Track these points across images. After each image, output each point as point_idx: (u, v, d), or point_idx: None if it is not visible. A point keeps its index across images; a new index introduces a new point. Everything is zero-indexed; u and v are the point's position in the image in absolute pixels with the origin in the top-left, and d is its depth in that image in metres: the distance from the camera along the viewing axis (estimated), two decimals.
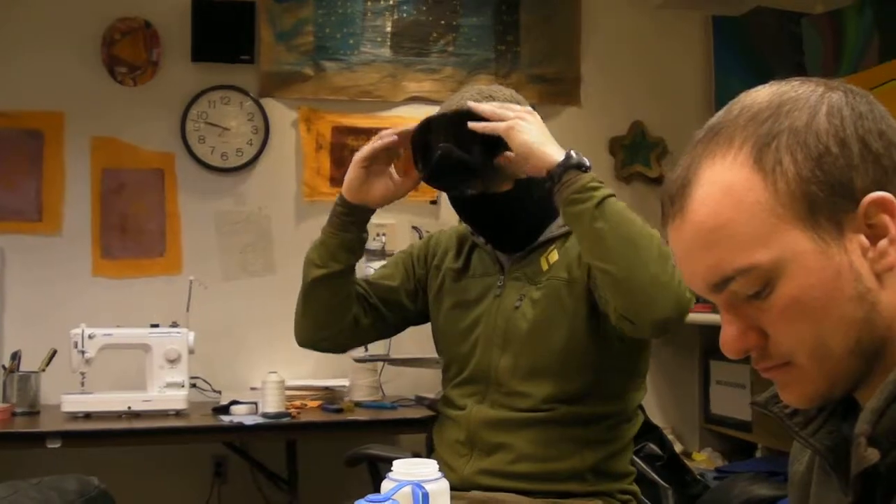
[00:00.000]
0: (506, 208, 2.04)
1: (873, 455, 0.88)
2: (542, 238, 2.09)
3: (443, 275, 2.22)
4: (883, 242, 0.90)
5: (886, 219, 0.90)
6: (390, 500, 1.04)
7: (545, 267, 2.05)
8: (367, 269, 3.72)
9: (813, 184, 0.89)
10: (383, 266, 2.35)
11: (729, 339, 0.97)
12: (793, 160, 0.89)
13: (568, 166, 1.85)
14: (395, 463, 1.39)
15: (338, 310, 2.18)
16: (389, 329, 2.33)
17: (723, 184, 0.91)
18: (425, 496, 1.25)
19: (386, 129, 2.17)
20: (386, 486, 1.37)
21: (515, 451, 1.97)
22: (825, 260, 0.90)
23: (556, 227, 2.08)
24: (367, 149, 2.11)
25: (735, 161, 0.91)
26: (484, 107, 1.95)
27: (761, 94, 0.94)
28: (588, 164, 1.87)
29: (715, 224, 0.92)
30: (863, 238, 0.91)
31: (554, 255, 2.05)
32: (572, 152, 1.87)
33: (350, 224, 2.15)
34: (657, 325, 1.79)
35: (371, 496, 1.09)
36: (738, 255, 0.91)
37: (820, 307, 0.90)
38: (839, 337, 0.91)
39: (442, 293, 2.21)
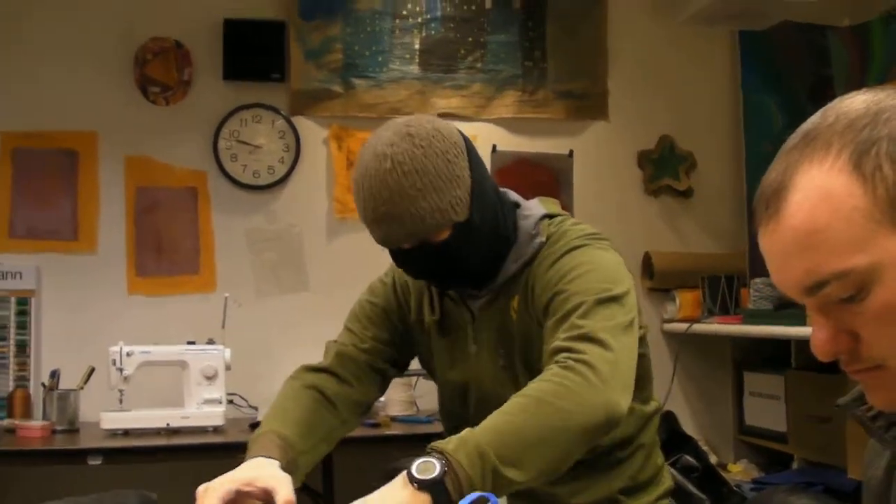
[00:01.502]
0: (448, 257, 1.81)
1: None
2: (500, 279, 1.90)
3: (427, 331, 2.02)
4: None
5: None
6: None
7: (514, 317, 1.89)
8: None
9: None
10: (352, 329, 2.06)
11: (820, 342, 0.97)
12: (893, 167, 0.90)
13: None
14: None
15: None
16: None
17: (821, 189, 0.91)
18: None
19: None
20: None
21: (539, 498, 1.89)
22: None
23: (511, 263, 1.90)
24: None
25: (833, 167, 0.92)
26: None
27: (857, 102, 0.95)
28: (437, 472, 1.43)
29: (812, 228, 0.92)
30: None
31: (516, 302, 1.89)
32: (430, 499, 1.42)
33: None
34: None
35: None
36: (835, 259, 0.91)
37: None
38: None
39: (431, 352, 2.04)
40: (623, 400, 1.61)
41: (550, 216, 1.94)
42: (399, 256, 1.87)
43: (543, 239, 1.88)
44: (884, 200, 0.90)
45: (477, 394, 1.94)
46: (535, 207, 1.95)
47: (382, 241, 1.83)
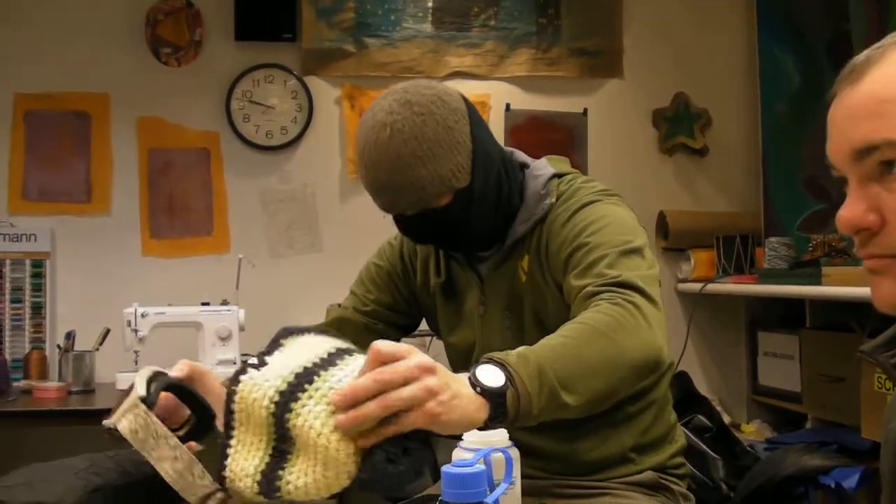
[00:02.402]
0: (449, 223, 1.83)
1: None
2: (508, 241, 1.91)
3: (432, 294, 2.04)
4: None
5: None
6: (476, 464, 1.06)
7: (523, 278, 1.90)
8: None
9: None
10: (356, 293, 2.09)
11: (848, 213, 1.01)
12: None
13: (496, 424, 1.37)
14: (466, 434, 1.40)
15: None
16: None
17: None
18: (509, 460, 1.27)
19: None
20: (458, 454, 1.39)
21: (550, 456, 1.90)
22: None
23: (520, 224, 1.90)
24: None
25: None
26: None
27: None
28: (503, 382, 1.35)
29: (887, 97, 0.97)
30: None
31: (526, 262, 1.90)
32: (491, 409, 1.31)
33: None
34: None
35: (458, 461, 1.10)
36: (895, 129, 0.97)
37: None
38: None
39: (437, 314, 2.06)
40: (665, 347, 1.61)
41: (560, 175, 1.94)
42: (402, 223, 1.88)
43: (553, 199, 1.88)
44: None
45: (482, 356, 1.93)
46: (543, 167, 1.95)
47: (385, 209, 1.83)
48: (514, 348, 1.49)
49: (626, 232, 1.77)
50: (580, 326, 1.53)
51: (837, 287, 3.16)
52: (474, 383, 1.31)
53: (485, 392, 1.31)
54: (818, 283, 3.26)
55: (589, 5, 4.31)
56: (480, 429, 1.32)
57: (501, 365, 1.37)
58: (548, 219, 1.87)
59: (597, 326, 1.52)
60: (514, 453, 1.34)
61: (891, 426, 1.15)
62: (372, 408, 1.17)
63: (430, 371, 1.23)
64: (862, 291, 3.02)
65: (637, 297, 1.60)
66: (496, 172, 1.86)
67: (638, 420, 1.94)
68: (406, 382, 1.20)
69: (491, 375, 1.34)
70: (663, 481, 1.96)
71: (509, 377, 1.35)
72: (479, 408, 1.30)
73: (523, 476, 1.74)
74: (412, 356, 1.23)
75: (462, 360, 1.99)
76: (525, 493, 1.76)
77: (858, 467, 2.96)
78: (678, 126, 4.37)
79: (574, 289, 1.70)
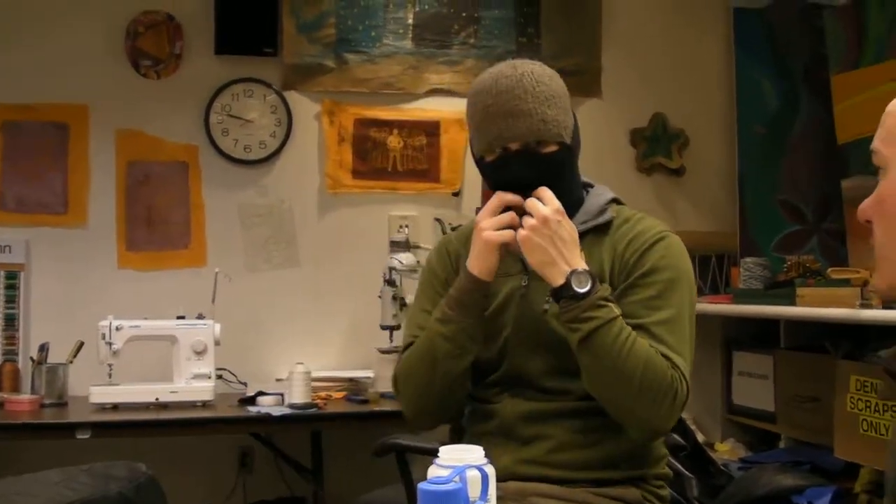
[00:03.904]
0: (545, 170, 1.97)
1: None
2: None
3: None
4: None
5: None
6: (452, 482, 1.06)
7: None
8: (392, 260, 3.75)
9: None
10: (424, 308, 2.17)
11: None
12: None
13: (563, 296, 1.87)
14: (442, 449, 1.41)
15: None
16: None
17: None
18: (485, 478, 1.27)
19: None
20: (434, 471, 1.38)
21: (554, 440, 1.97)
22: None
23: (579, 224, 2.02)
24: (501, 236, 1.95)
25: None
26: (535, 201, 1.92)
27: None
28: (587, 289, 1.86)
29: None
30: None
31: None
32: (572, 279, 1.86)
33: (483, 302, 2.03)
34: (636, 438, 1.97)
35: (434, 478, 1.10)
36: None
37: (894, 215, 1.10)
38: None
39: None
40: (667, 430, 1.96)
41: (618, 202, 2.16)
42: (498, 160, 1.99)
43: (611, 217, 2.07)
44: None
45: (513, 333, 2.03)
46: (606, 191, 2.16)
47: (495, 138, 1.96)
48: (551, 333, 1.96)
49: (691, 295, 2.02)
50: (647, 349, 1.85)
51: (811, 308, 3.19)
52: (575, 268, 1.85)
53: (574, 275, 1.85)
54: (792, 303, 3.28)
55: (568, 25, 4.34)
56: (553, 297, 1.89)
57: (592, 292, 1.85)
58: (611, 230, 2.06)
59: (649, 359, 1.84)
60: (490, 470, 1.34)
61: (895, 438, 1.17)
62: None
63: (560, 213, 1.89)
64: (836, 312, 3.05)
65: (683, 389, 1.88)
66: (578, 159, 2.08)
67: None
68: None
69: (587, 282, 1.85)
70: (645, 502, 1.98)
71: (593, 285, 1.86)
72: (559, 274, 1.86)
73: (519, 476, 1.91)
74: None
75: (488, 344, 2.05)
76: (505, 499, 1.82)
77: (831, 487, 2.98)
78: (656, 146, 4.40)
79: (623, 297, 1.95)
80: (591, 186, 2.17)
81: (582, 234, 1.98)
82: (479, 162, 2.06)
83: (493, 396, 2.07)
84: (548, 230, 1.88)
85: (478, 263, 1.97)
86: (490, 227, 1.95)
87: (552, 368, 2.00)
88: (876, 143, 1.10)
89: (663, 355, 1.87)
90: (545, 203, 1.90)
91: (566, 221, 1.90)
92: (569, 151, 2.01)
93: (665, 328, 1.92)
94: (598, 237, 2.05)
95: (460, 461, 1.34)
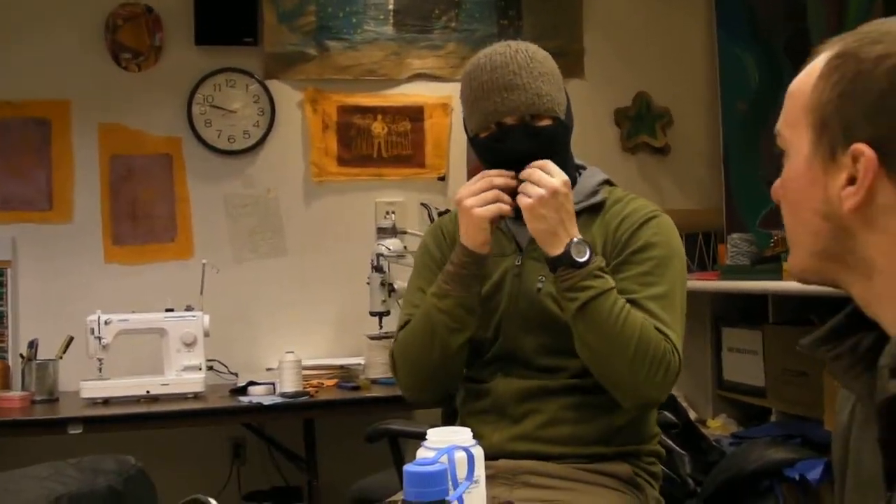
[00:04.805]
0: (540, 142, 1.99)
1: (894, 387, 0.90)
2: None
3: None
4: (849, 189, 1.02)
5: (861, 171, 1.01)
6: (438, 463, 1.06)
7: None
8: (380, 247, 3.75)
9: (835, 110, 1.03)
10: (420, 287, 2.17)
11: None
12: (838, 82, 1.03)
13: (560, 263, 1.90)
14: (430, 431, 1.41)
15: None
16: None
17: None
18: (471, 458, 1.27)
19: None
20: (422, 453, 1.39)
21: (546, 415, 1.99)
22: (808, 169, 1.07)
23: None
24: (488, 211, 1.96)
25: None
26: (533, 170, 1.94)
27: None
28: (585, 258, 1.89)
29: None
30: (844, 176, 1.03)
31: None
32: (572, 248, 1.89)
33: (478, 276, 2.05)
34: (629, 409, 1.99)
35: (420, 460, 1.11)
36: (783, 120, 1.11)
37: (794, 201, 1.11)
38: (806, 237, 1.12)
39: None
40: (660, 401, 2.01)
41: (610, 183, 2.19)
42: (494, 136, 2.01)
43: (603, 198, 2.10)
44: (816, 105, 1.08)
45: (507, 312, 2.05)
46: (598, 172, 2.20)
47: (490, 113, 1.98)
48: (544, 312, 1.99)
49: (683, 273, 2.06)
50: (642, 320, 1.89)
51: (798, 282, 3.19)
52: (574, 237, 1.89)
53: (573, 244, 1.88)
54: (779, 278, 3.29)
55: (549, 7, 4.33)
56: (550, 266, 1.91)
57: (588, 263, 1.88)
58: (603, 210, 2.08)
59: (644, 331, 1.88)
60: (478, 451, 1.34)
61: (839, 418, 1.17)
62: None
63: (568, 186, 1.91)
64: (822, 287, 3.06)
65: (676, 361, 1.92)
66: (570, 138, 2.11)
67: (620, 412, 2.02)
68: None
69: (585, 252, 1.89)
70: (637, 478, 1.99)
71: (591, 257, 1.89)
72: (560, 243, 1.89)
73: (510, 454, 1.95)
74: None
75: (481, 324, 2.06)
76: (497, 477, 1.83)
77: (822, 459, 2.99)
78: (640, 125, 4.40)
79: (617, 272, 1.98)
80: (584, 168, 2.20)
81: (576, 214, 1.99)
82: (474, 140, 2.06)
83: (487, 376, 2.08)
84: (555, 201, 1.90)
85: (470, 238, 1.98)
86: (476, 203, 1.96)
87: (546, 347, 2.02)
88: (779, 125, 1.10)
89: (656, 328, 1.90)
90: (552, 175, 1.92)
91: (571, 195, 1.94)
92: (563, 127, 2.04)
93: (658, 303, 1.94)
94: (590, 217, 2.07)
95: (447, 443, 1.34)
